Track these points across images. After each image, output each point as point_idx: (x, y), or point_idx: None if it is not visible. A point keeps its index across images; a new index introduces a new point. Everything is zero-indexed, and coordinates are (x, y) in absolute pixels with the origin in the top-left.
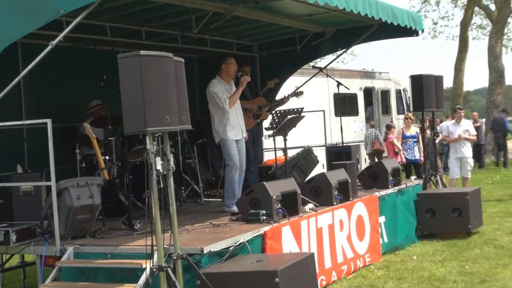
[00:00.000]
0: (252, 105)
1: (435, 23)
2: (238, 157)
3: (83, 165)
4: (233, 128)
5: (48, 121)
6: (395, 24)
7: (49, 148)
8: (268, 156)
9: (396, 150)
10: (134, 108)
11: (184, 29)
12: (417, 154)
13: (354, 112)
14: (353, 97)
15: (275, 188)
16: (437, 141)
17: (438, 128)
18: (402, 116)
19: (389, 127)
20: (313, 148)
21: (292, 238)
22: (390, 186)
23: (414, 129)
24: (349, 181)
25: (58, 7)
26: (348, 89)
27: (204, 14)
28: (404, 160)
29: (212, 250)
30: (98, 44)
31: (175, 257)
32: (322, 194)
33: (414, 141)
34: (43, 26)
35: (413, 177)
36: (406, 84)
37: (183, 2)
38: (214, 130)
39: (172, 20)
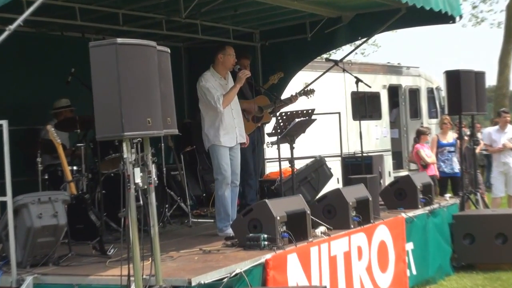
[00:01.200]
0: (251, 106)
1: (475, 7)
2: (230, 169)
3: (46, 177)
4: (227, 132)
5: (4, 123)
6: (427, 8)
7: (5, 156)
8: (271, 168)
9: (422, 162)
10: (108, 108)
11: (170, 12)
12: (456, 166)
13: (376, 115)
14: (375, 96)
15: (280, 207)
16: (477, 151)
17: (478, 135)
18: (434, 121)
19: (420, 133)
20: (326, 159)
21: (300, 268)
22: (420, 206)
23: (452, 136)
24: (370, 199)
25: None
26: (369, 87)
27: None
28: (437, 173)
29: (202, 282)
30: (65, 30)
31: None
32: (336, 214)
33: (451, 151)
34: (0, 8)
35: (448, 195)
36: (440, 82)
37: None
38: (204, 133)
39: (156, 2)
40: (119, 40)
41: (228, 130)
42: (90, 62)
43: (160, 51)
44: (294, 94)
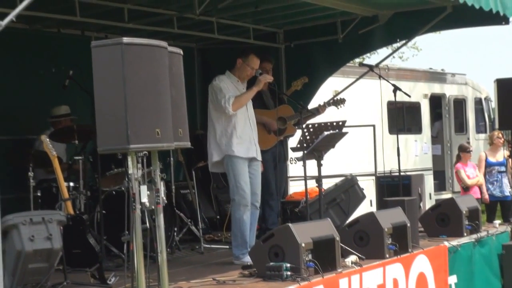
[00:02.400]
0: (271, 117)
1: None
2: (249, 189)
3: (39, 194)
4: (242, 141)
5: None
6: (477, 7)
7: None
8: (295, 188)
9: (462, 185)
10: (112, 116)
11: (182, 8)
12: (507, 188)
13: (415, 128)
14: (415, 107)
15: (305, 233)
16: None
17: None
18: (482, 136)
19: (460, 150)
20: (358, 178)
21: None
22: (465, 234)
23: (502, 154)
24: (408, 225)
25: None
26: (409, 96)
27: None
28: (487, 196)
29: None
30: (63, 27)
31: None
32: (370, 242)
33: (502, 171)
34: None
35: (497, 222)
36: (489, 91)
37: None
38: (213, 144)
39: None
40: (125, 39)
41: (243, 139)
42: (92, 64)
43: (172, 53)
44: (322, 103)
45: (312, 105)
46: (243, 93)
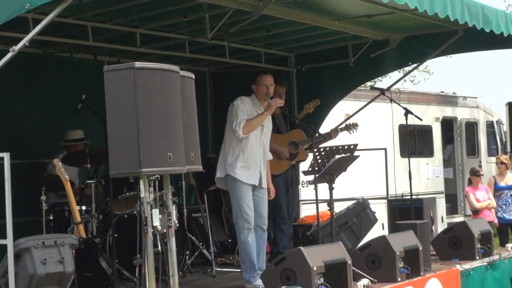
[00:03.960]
0: (283, 142)
1: None
2: (252, 212)
3: (51, 218)
4: (246, 167)
5: (6, 155)
6: (487, 30)
7: (6, 193)
8: (306, 211)
9: (471, 208)
10: (124, 140)
11: (193, 32)
12: None
13: (427, 151)
14: (427, 130)
15: (317, 256)
16: None
17: None
18: (494, 159)
19: (473, 173)
20: (370, 201)
21: None
22: (478, 257)
23: (511, 177)
24: (420, 248)
25: (23, 0)
26: (420, 119)
27: (222, 13)
28: (496, 220)
29: None
30: (75, 51)
31: None
32: (382, 265)
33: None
34: (2, 26)
35: (510, 245)
36: (501, 114)
37: None
38: (220, 159)
39: (178, 20)
40: (137, 64)
41: (249, 164)
42: (105, 88)
43: (184, 77)
44: (334, 128)
45: (323, 128)
46: (254, 117)
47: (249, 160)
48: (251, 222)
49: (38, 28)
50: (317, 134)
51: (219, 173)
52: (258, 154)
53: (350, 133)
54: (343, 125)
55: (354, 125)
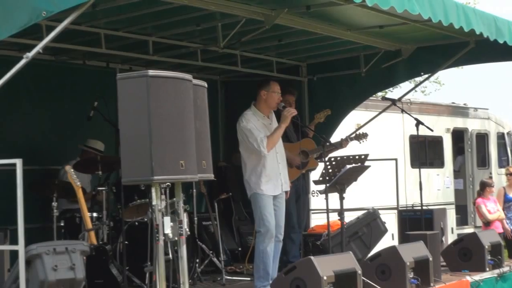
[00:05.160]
0: (294, 151)
1: None
2: (274, 221)
3: (62, 224)
4: (270, 179)
5: (18, 162)
6: (500, 41)
7: (18, 199)
8: (316, 221)
9: (483, 220)
10: (137, 148)
11: (206, 41)
12: None
13: (438, 162)
14: (437, 141)
15: (327, 266)
16: None
17: None
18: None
19: (483, 185)
20: (380, 211)
21: None
22: (488, 269)
23: None
24: (430, 259)
25: (40, 7)
26: (431, 130)
27: (234, 22)
28: (510, 231)
29: None
30: (88, 58)
31: None
32: (391, 276)
33: None
34: (16, 33)
35: None
36: None
37: (206, 5)
38: (245, 180)
39: (191, 29)
40: (151, 72)
41: (271, 177)
42: (117, 96)
43: (196, 85)
44: (344, 138)
45: (334, 138)
46: (274, 132)
47: (271, 173)
48: (273, 231)
49: (52, 35)
50: (327, 143)
51: (249, 194)
52: (276, 162)
53: (360, 143)
54: (353, 135)
55: (364, 135)
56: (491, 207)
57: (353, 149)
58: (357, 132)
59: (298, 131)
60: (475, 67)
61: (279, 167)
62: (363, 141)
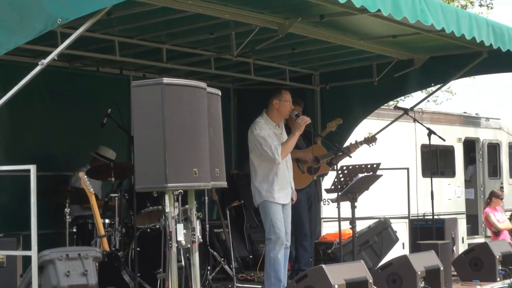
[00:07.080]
0: (307, 155)
1: None
2: (284, 228)
3: (74, 230)
4: (282, 188)
5: (32, 167)
6: None
7: (31, 205)
8: (328, 229)
9: (493, 229)
10: (151, 155)
11: (219, 49)
12: None
13: (449, 172)
14: (449, 151)
15: (338, 274)
16: None
17: None
18: None
19: (492, 196)
20: (392, 220)
21: None
22: (499, 279)
23: None
24: (441, 268)
25: (55, 14)
26: (444, 140)
27: (248, 30)
28: None
29: None
30: (102, 65)
31: None
32: (402, 285)
33: None
34: (31, 39)
35: None
36: None
37: (220, 13)
38: (254, 187)
39: (204, 37)
40: (165, 80)
41: (283, 185)
42: (132, 103)
43: (210, 93)
44: (353, 142)
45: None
46: (288, 140)
47: (283, 181)
48: (283, 238)
49: (67, 42)
50: (335, 149)
51: (257, 202)
52: (287, 170)
53: (370, 146)
54: (362, 139)
55: (373, 139)
56: (500, 217)
57: (365, 158)
58: (366, 136)
59: (307, 139)
60: (487, 76)
61: (289, 176)
62: (372, 145)
